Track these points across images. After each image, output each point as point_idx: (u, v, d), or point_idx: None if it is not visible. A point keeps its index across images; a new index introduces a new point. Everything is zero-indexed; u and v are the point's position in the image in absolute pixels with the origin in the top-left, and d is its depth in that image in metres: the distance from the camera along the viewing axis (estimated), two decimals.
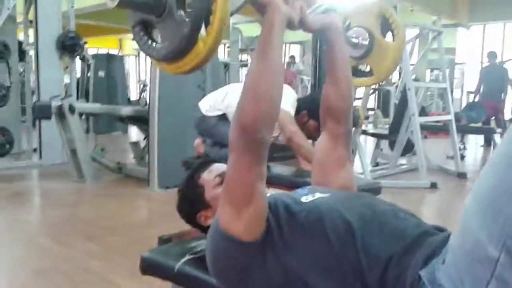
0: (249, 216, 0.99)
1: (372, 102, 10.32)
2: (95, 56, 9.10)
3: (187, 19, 0.90)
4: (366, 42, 1.52)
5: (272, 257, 1.00)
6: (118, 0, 0.86)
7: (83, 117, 5.29)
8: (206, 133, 2.86)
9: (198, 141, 2.96)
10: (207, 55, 0.92)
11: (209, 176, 1.24)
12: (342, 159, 1.26)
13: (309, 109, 2.55)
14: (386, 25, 1.55)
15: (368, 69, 1.61)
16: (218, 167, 1.26)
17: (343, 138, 1.26)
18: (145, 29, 0.99)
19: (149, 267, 1.40)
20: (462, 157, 6.13)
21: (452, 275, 0.81)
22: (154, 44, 0.98)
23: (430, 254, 0.89)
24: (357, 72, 1.59)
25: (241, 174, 0.98)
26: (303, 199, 1.08)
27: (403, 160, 5.91)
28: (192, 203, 1.25)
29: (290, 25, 1.03)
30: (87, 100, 7.26)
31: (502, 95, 7.86)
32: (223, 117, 2.74)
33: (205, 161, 1.32)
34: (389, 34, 1.57)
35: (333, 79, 1.23)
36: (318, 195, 1.10)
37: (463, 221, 0.82)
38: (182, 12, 0.91)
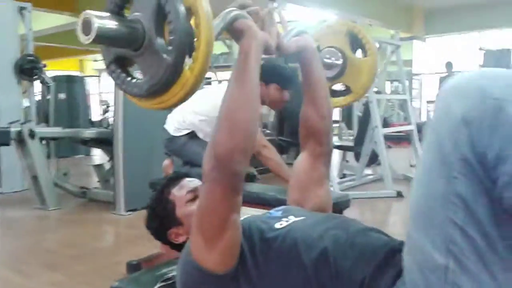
0: (222, 247, 0.95)
1: (336, 115, 10.51)
2: (55, 79, 8.90)
3: (170, 47, 0.83)
4: (340, 62, 1.53)
5: (246, 286, 0.98)
6: (94, 36, 0.79)
7: (44, 141, 5.14)
8: (176, 153, 2.83)
9: (166, 162, 2.93)
10: (195, 84, 0.86)
11: (180, 192, 1.20)
12: (321, 178, 1.25)
13: (260, 78, 2.59)
14: (355, 42, 1.56)
15: (343, 88, 1.62)
16: (189, 183, 1.22)
17: (323, 158, 1.25)
18: (121, 66, 0.91)
19: None
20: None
21: None
22: (134, 80, 0.89)
23: (398, 273, 0.88)
24: (332, 93, 1.60)
25: (213, 205, 0.94)
26: (277, 225, 1.05)
27: (368, 171, 5.99)
28: (162, 220, 1.20)
29: (267, 51, 1.02)
30: (47, 123, 7.06)
31: None
32: (192, 135, 2.72)
33: (176, 176, 1.28)
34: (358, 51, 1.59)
35: (311, 100, 1.22)
36: (292, 218, 1.08)
37: (408, 236, 0.83)
38: (162, 41, 0.85)
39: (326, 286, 0.92)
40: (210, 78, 9.02)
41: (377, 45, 5.40)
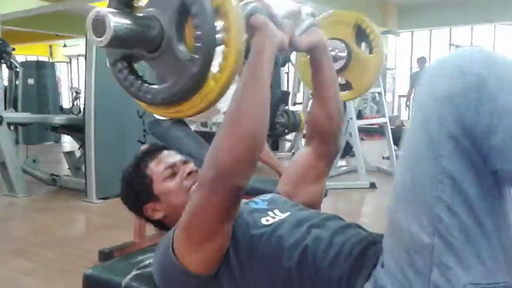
0: (208, 251, 0.92)
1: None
2: (24, 64, 8.64)
3: (196, 56, 0.73)
4: (344, 54, 1.44)
5: (229, 283, 0.95)
6: (109, 39, 0.69)
7: (12, 127, 4.99)
8: (159, 137, 2.79)
9: (144, 148, 2.88)
10: (219, 95, 0.78)
11: (158, 167, 1.14)
12: (318, 177, 1.21)
13: None
14: (360, 36, 1.47)
15: (343, 81, 1.52)
16: (168, 157, 1.17)
17: (326, 157, 1.21)
18: (129, 66, 0.80)
19: (93, 285, 1.31)
20: (397, 157, 6.38)
21: (396, 275, 0.81)
22: (145, 84, 0.79)
23: (374, 265, 0.88)
24: None
25: (207, 214, 0.88)
26: (263, 220, 1.02)
27: (342, 162, 6.06)
28: (138, 194, 1.14)
29: (280, 48, 0.93)
30: (16, 109, 6.86)
31: None
32: (176, 119, 2.67)
33: (153, 149, 1.21)
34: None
35: (321, 99, 1.16)
36: (277, 214, 1.05)
37: (391, 221, 0.83)
38: (184, 47, 0.75)
39: (307, 286, 0.91)
40: None
41: None
